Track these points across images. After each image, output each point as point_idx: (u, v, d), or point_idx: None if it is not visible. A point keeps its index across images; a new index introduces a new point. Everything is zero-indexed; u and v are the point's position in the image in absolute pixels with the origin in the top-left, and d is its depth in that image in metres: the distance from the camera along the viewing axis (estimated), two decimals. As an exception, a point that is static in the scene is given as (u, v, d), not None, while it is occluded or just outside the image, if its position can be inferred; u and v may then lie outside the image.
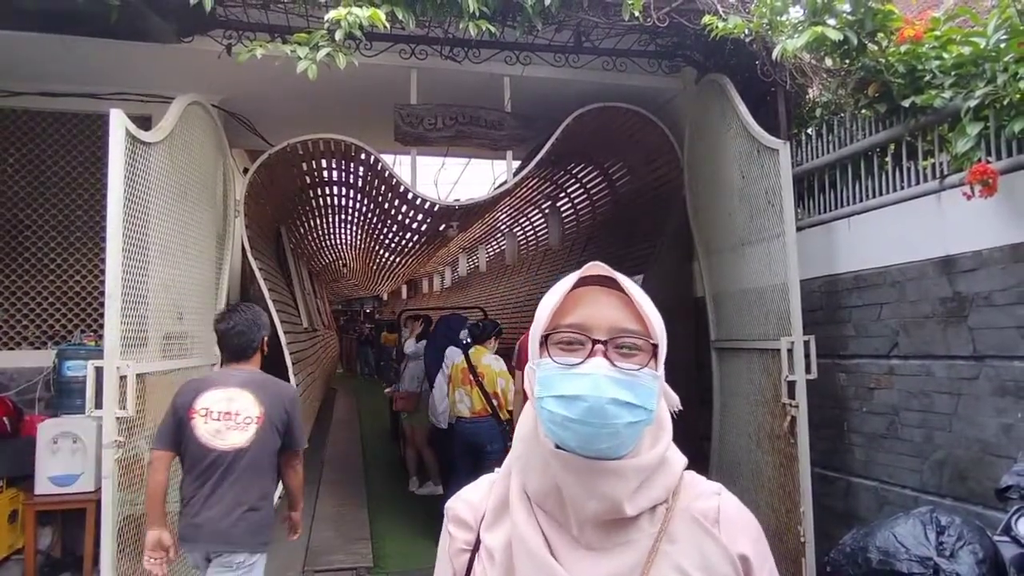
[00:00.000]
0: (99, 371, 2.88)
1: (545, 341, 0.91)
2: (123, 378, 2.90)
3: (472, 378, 5.05)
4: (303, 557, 4.83)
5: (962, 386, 3.14)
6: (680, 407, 1.00)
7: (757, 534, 0.95)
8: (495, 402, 4.97)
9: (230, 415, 2.75)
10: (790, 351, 3.60)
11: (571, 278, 0.93)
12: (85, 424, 4.27)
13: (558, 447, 0.88)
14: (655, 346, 0.90)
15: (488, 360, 5.17)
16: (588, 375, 0.86)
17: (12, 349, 4.77)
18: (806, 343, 3.61)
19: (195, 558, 2.81)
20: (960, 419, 3.14)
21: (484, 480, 1.04)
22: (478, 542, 0.96)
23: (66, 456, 4.27)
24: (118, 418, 2.88)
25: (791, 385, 3.60)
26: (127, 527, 2.98)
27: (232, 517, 2.69)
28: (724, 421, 4.52)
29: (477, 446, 4.90)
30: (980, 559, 1.64)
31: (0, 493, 4.40)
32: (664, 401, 0.96)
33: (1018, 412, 2.87)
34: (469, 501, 1.01)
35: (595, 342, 0.88)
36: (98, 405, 2.87)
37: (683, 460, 0.97)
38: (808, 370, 3.61)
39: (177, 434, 2.76)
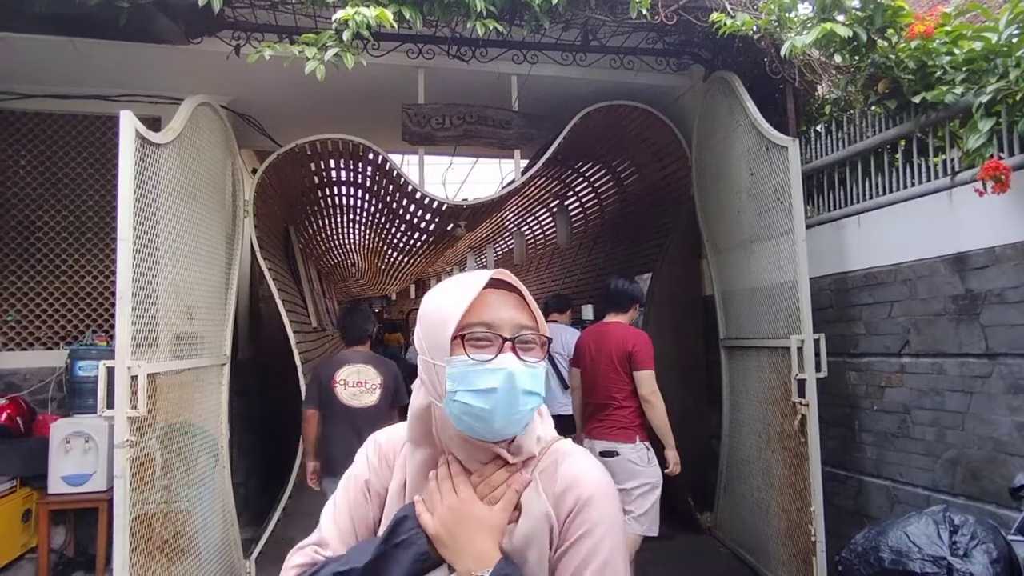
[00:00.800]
0: (111, 371, 2.90)
1: (461, 340, 0.97)
2: (134, 378, 2.92)
3: None
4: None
5: (975, 384, 3.11)
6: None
7: (583, 491, 1.02)
8: None
9: (361, 384, 3.89)
10: (800, 349, 3.58)
11: (476, 282, 1.00)
12: (97, 424, 4.30)
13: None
14: (547, 340, 1.03)
15: None
16: (502, 369, 0.95)
17: (25, 350, 4.81)
18: (816, 341, 3.59)
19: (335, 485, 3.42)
20: (973, 417, 3.12)
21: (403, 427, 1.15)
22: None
23: (78, 456, 4.30)
24: (129, 418, 2.89)
25: (801, 384, 3.58)
26: (139, 526, 3.00)
27: None
28: (733, 420, 4.51)
29: None
30: (994, 558, 1.63)
31: (14, 492, 4.43)
32: None
33: (1031, 410, 2.85)
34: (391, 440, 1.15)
35: (504, 339, 0.98)
36: (110, 405, 2.89)
37: (549, 422, 1.11)
38: (818, 368, 3.59)
39: (321, 397, 3.87)
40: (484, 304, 1.00)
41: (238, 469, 4.71)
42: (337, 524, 1.10)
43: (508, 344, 0.98)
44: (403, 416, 1.15)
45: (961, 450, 3.17)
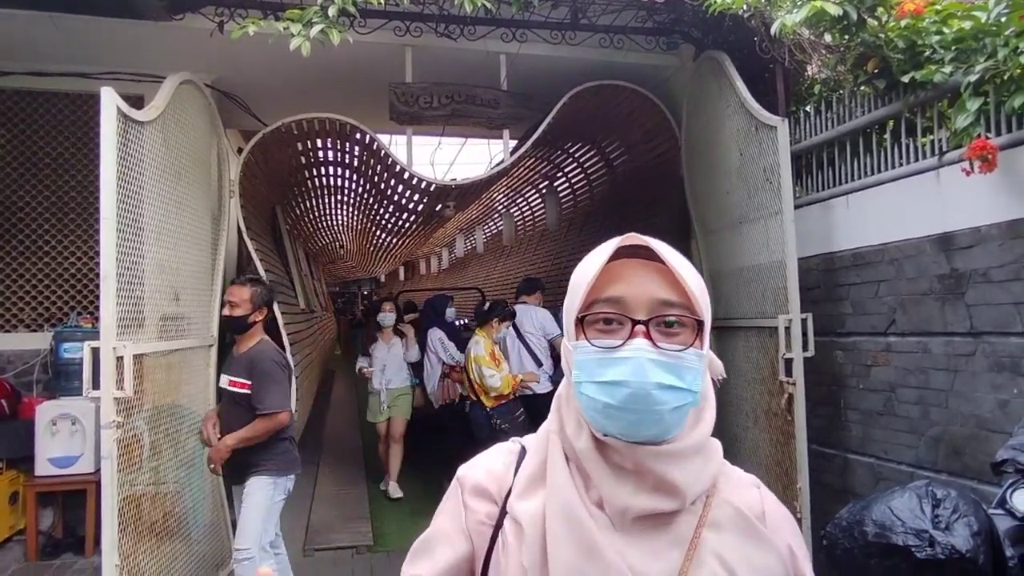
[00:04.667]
0: (96, 352, 2.87)
1: (581, 322, 0.84)
2: (120, 359, 2.89)
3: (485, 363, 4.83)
4: (303, 536, 4.86)
5: (959, 362, 3.15)
6: (724, 375, 0.95)
7: (796, 528, 0.92)
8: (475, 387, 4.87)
9: None
10: (787, 329, 3.60)
11: (606, 249, 0.84)
12: (84, 406, 4.28)
13: (605, 434, 0.82)
14: (700, 322, 0.83)
15: (472, 347, 4.96)
16: (630, 359, 0.79)
17: (8, 332, 4.76)
18: (803, 321, 3.62)
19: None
20: (956, 395, 3.16)
21: (501, 449, 0.96)
22: (502, 516, 0.87)
23: (65, 438, 4.29)
24: (116, 399, 2.87)
25: (788, 363, 3.61)
26: (127, 507, 2.99)
27: None
28: (721, 399, 4.51)
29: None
30: (975, 531, 1.65)
31: (0, 475, 4.41)
32: (708, 375, 0.89)
33: (1014, 388, 2.89)
34: (491, 471, 0.92)
35: (635, 322, 0.81)
36: (95, 386, 2.87)
37: (719, 444, 0.90)
38: (805, 348, 3.62)
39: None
40: (615, 277, 0.83)
41: (227, 451, 4.69)
42: None
43: (640, 328, 0.81)
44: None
45: (945, 427, 3.22)
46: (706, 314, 0.84)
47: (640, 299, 0.82)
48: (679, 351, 0.81)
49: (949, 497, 1.74)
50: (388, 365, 5.93)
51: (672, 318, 0.82)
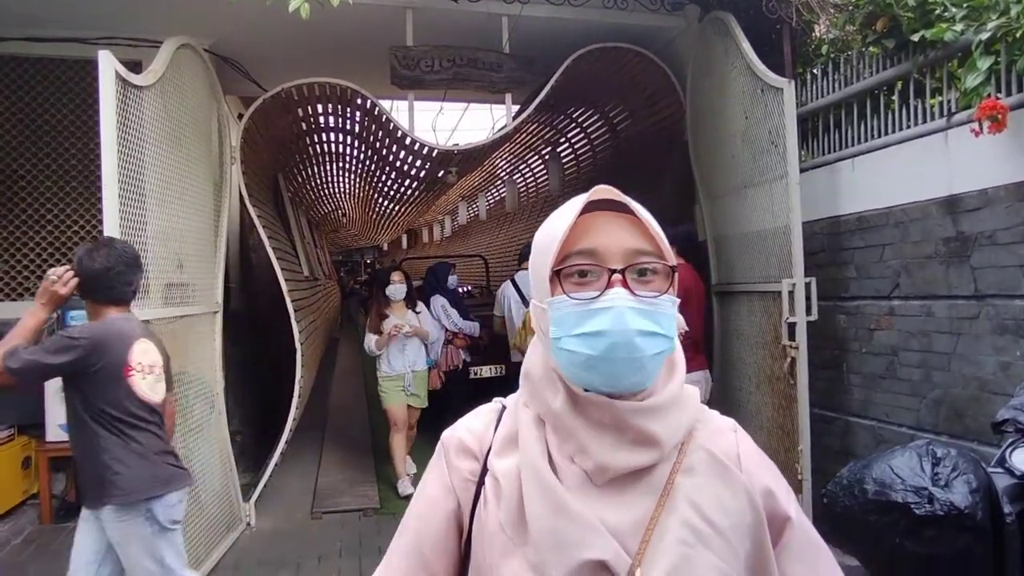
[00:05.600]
0: (102, 318, 2.87)
1: (556, 276, 0.83)
2: (126, 325, 2.90)
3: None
4: (311, 499, 4.95)
5: (962, 325, 3.15)
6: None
7: (776, 470, 0.92)
8: None
9: (153, 368, 2.59)
10: (791, 293, 3.61)
11: (576, 203, 0.84)
12: (91, 373, 4.32)
13: (586, 390, 0.83)
14: (672, 269, 0.84)
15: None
16: (609, 308, 0.79)
17: (15, 300, 4.79)
18: (807, 285, 3.62)
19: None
20: (959, 358, 3.17)
21: (482, 410, 0.97)
22: (484, 473, 0.89)
23: (74, 404, 4.33)
24: (123, 365, 2.88)
25: (791, 327, 3.62)
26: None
27: None
28: (724, 363, 4.57)
29: None
30: (973, 488, 1.67)
31: (12, 440, 4.48)
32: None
33: (1017, 350, 2.90)
34: (472, 430, 0.94)
35: (612, 271, 0.81)
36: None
37: (695, 391, 0.91)
38: (809, 312, 3.63)
39: (100, 389, 2.45)
40: (587, 230, 0.83)
41: (234, 418, 4.75)
42: None
43: (617, 277, 0.81)
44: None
45: (946, 390, 3.23)
46: (674, 262, 0.86)
47: (614, 249, 0.82)
48: (655, 297, 0.81)
49: (949, 456, 1.76)
50: (409, 344, 5.13)
51: (646, 266, 0.82)
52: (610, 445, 0.81)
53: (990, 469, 1.86)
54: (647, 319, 0.80)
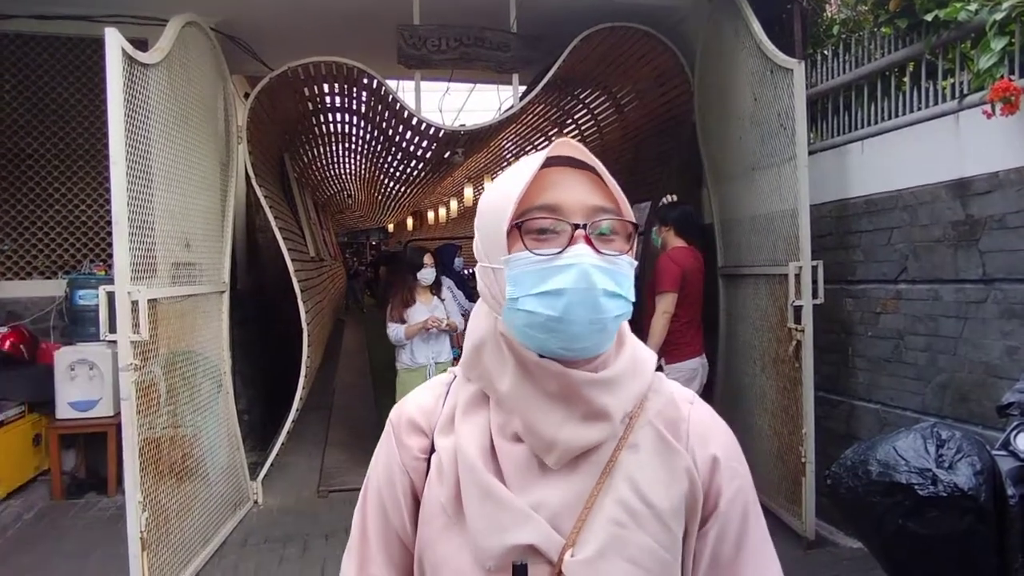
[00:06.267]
0: (111, 296, 2.91)
1: (516, 231, 0.77)
2: (135, 303, 2.93)
3: None
4: (317, 478, 5.00)
5: (969, 309, 3.14)
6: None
7: (729, 439, 0.88)
8: None
9: None
10: (798, 276, 3.59)
11: (535, 158, 0.78)
12: (101, 351, 4.36)
13: (541, 356, 0.78)
14: (634, 227, 0.80)
15: None
16: (573, 265, 0.74)
17: (24, 279, 4.82)
18: (814, 268, 3.60)
19: None
20: (965, 342, 3.16)
21: (433, 383, 0.93)
22: (432, 449, 0.86)
23: (84, 382, 4.38)
24: (132, 342, 2.92)
25: (797, 310, 3.62)
26: (147, 448, 3.07)
27: None
28: (729, 346, 4.57)
29: None
30: (977, 470, 1.68)
31: (23, 418, 4.53)
32: None
33: (1024, 334, 2.89)
34: (421, 406, 0.90)
35: (575, 227, 0.75)
36: (112, 329, 2.91)
37: (652, 358, 0.87)
38: (815, 295, 3.62)
39: None
40: (547, 185, 0.78)
41: (241, 397, 4.79)
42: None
43: (580, 232, 0.75)
44: None
45: (952, 374, 3.23)
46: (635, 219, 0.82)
47: (576, 206, 0.77)
48: (616, 256, 0.77)
49: (953, 438, 1.76)
50: (433, 334, 4.67)
51: (608, 224, 0.78)
52: (558, 421, 0.77)
53: (994, 452, 1.87)
54: (611, 279, 0.75)
